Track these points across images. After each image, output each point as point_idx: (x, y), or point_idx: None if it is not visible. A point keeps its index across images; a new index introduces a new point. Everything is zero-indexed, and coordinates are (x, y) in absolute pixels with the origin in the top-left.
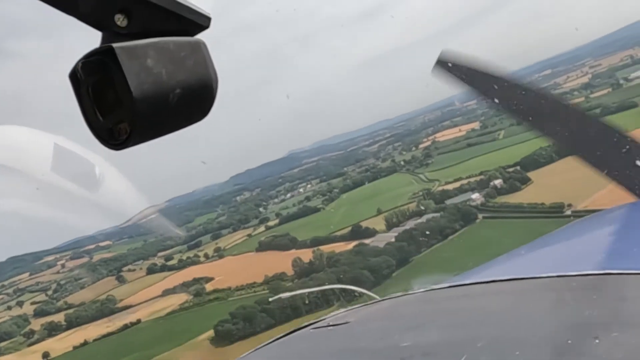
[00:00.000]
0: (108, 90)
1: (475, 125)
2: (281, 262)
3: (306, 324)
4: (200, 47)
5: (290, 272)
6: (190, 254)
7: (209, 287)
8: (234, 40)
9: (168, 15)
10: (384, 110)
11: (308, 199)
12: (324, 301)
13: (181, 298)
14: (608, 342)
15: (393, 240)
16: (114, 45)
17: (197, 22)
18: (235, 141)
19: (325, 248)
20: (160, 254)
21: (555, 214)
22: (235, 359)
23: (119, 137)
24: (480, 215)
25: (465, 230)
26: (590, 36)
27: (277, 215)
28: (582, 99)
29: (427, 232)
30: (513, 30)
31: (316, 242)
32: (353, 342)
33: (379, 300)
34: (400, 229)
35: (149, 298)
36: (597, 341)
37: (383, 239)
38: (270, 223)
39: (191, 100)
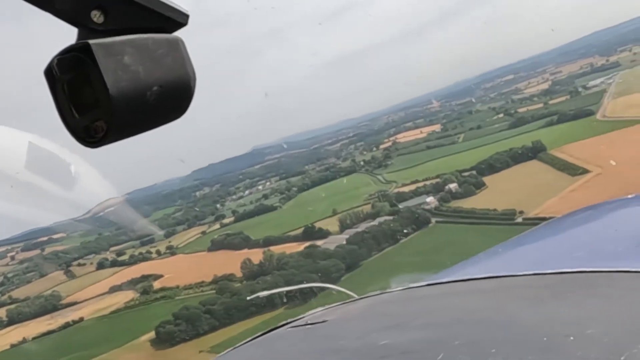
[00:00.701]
0: (84, 88)
1: (437, 127)
2: (232, 261)
3: (284, 322)
4: (178, 45)
5: (239, 273)
6: (143, 249)
7: (157, 284)
8: (204, 32)
9: (145, 12)
10: (350, 109)
11: (266, 196)
12: (270, 305)
13: (127, 296)
14: (582, 339)
15: (344, 242)
16: (91, 41)
17: (175, 20)
18: (200, 134)
19: (277, 248)
20: (112, 248)
21: (506, 221)
22: None
23: (96, 135)
24: (433, 220)
25: (418, 235)
26: (553, 43)
27: (234, 212)
28: (541, 105)
29: (379, 236)
30: (478, 34)
31: (269, 242)
32: (331, 340)
33: (357, 299)
34: (353, 230)
35: (95, 295)
36: (571, 338)
37: (335, 241)
38: (226, 221)
39: (169, 98)
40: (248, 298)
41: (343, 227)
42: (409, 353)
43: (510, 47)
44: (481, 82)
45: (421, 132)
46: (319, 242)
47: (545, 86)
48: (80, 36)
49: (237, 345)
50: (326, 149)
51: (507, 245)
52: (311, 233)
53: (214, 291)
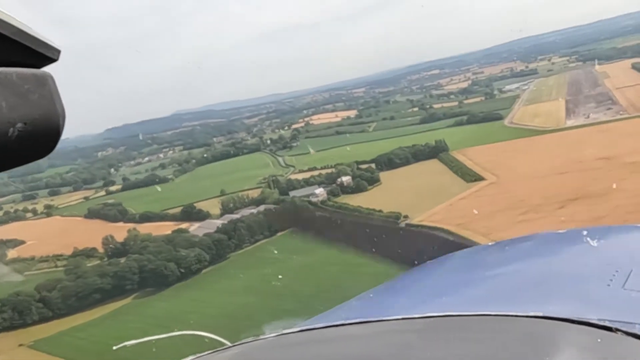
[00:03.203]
0: None
1: (353, 113)
2: (100, 234)
3: None
4: (47, 81)
5: (102, 248)
6: (21, 206)
7: (12, 253)
8: None
9: (12, 46)
10: (278, 84)
11: (163, 166)
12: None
13: None
14: None
15: (214, 230)
16: None
17: (45, 54)
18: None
19: (149, 227)
20: None
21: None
22: None
23: None
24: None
25: (297, 229)
26: (481, 44)
27: (124, 180)
28: (456, 103)
29: (255, 227)
30: (414, 25)
31: (145, 217)
32: None
33: (230, 347)
34: (232, 216)
35: None
36: None
37: (209, 226)
38: (113, 188)
39: (34, 135)
40: (114, 348)
41: (224, 211)
42: None
43: (442, 43)
44: (408, 73)
45: (336, 116)
46: (194, 225)
47: (464, 85)
48: None
49: None
50: (242, 122)
51: (379, 290)
52: (190, 213)
53: (65, 268)
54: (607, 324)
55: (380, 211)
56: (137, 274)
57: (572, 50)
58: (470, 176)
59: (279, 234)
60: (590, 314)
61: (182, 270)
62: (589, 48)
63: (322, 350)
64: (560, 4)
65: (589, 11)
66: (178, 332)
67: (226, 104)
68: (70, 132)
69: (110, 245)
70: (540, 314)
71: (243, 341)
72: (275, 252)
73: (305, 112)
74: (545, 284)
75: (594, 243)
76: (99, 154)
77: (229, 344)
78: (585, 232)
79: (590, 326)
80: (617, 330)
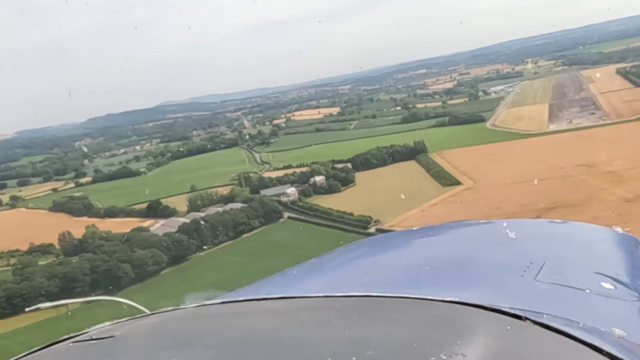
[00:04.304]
0: None
1: (336, 110)
2: (61, 229)
3: (66, 337)
4: None
5: (58, 245)
6: None
7: None
8: None
9: None
10: (266, 78)
11: (137, 159)
12: None
13: None
14: None
15: (175, 230)
16: None
17: None
18: (108, 82)
19: (111, 223)
20: None
21: (359, 228)
22: None
23: None
24: (286, 215)
25: (262, 231)
26: (471, 45)
27: (96, 172)
28: (440, 103)
29: (219, 227)
30: (402, 23)
31: (110, 212)
32: (116, 357)
33: (148, 315)
34: (198, 215)
35: None
36: (353, 359)
37: (173, 225)
38: (83, 180)
39: None
40: (27, 309)
41: (191, 209)
42: None
43: (432, 42)
44: (396, 71)
45: (319, 113)
46: (159, 222)
47: (450, 85)
48: None
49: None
50: (225, 116)
51: (303, 267)
52: (155, 210)
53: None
54: (517, 312)
55: (351, 214)
56: (89, 275)
57: (559, 54)
58: (447, 180)
59: (244, 235)
60: (503, 302)
61: (137, 272)
62: (575, 52)
63: (241, 322)
64: (548, 7)
65: (577, 16)
66: (95, 297)
67: (213, 97)
68: (53, 121)
69: (67, 242)
70: (456, 299)
71: (162, 310)
72: (239, 254)
73: (289, 107)
74: (463, 270)
75: (512, 235)
76: (77, 144)
77: (147, 311)
78: (505, 224)
79: (502, 314)
80: (526, 319)
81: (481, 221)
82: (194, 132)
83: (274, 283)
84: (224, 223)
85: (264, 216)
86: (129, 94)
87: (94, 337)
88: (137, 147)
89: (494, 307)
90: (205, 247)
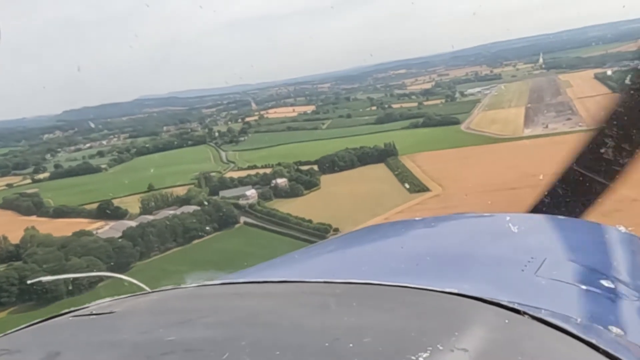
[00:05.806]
0: None
1: (311, 108)
2: (5, 229)
3: (67, 310)
4: None
5: None
6: None
7: None
8: None
9: None
10: (247, 74)
11: (101, 154)
12: None
13: None
14: (360, 346)
15: (118, 235)
16: None
17: None
18: (87, 74)
19: (58, 224)
20: None
21: (316, 238)
22: None
23: None
24: (242, 220)
25: (216, 236)
26: (451, 46)
27: (56, 167)
28: (416, 104)
29: (167, 234)
30: (383, 23)
31: (59, 212)
32: (114, 333)
33: (148, 292)
34: (148, 218)
35: None
36: (350, 345)
37: (120, 228)
38: (41, 175)
39: None
40: (29, 282)
41: (143, 210)
42: (193, 351)
43: (413, 43)
44: (376, 70)
45: (293, 111)
46: (108, 225)
47: (428, 86)
48: None
49: (10, 331)
50: (200, 111)
51: (303, 252)
52: (107, 211)
53: None
54: (516, 306)
55: (309, 221)
56: (16, 286)
57: (538, 58)
58: (415, 186)
59: (195, 241)
60: (502, 296)
61: (75, 284)
62: (554, 56)
63: (240, 304)
64: (529, 11)
65: (557, 21)
66: (97, 272)
67: (192, 92)
68: (28, 112)
69: (1, 247)
70: (455, 291)
71: (163, 288)
72: (185, 263)
73: (265, 104)
74: (464, 262)
75: (515, 229)
76: (45, 136)
77: (148, 289)
78: (508, 218)
79: (500, 307)
80: (524, 313)
81: (485, 214)
82: (164, 128)
83: (274, 267)
84: (173, 228)
85: (218, 221)
86: (108, 87)
87: (94, 312)
88: (104, 142)
89: (492, 300)
90: (151, 254)
